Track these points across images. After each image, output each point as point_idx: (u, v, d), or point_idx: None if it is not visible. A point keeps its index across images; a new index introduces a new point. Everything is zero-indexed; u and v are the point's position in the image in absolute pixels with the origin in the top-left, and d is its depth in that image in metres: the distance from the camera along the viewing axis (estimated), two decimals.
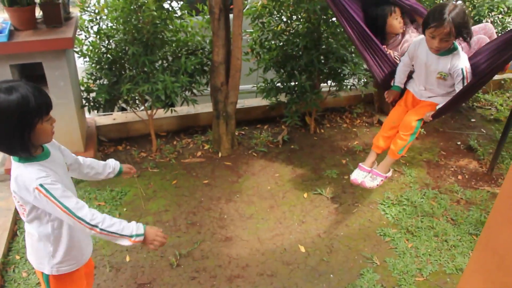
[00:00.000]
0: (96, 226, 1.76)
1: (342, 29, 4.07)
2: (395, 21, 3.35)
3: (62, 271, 1.99)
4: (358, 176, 3.34)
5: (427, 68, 3.01)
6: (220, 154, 4.19)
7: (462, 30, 2.75)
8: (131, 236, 1.82)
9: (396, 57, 3.33)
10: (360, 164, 3.38)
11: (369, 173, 3.36)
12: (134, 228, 1.84)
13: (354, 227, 3.39)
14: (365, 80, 4.37)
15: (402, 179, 3.92)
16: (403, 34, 3.41)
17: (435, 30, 2.74)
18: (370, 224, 3.42)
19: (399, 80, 3.26)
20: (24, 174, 1.71)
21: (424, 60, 3.00)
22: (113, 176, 2.25)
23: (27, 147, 1.69)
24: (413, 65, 3.16)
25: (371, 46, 3.24)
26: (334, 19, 4.06)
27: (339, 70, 4.18)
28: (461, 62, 2.86)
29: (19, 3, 3.33)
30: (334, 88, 4.39)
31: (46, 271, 1.98)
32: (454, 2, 2.80)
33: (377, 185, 3.29)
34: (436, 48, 2.82)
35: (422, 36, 2.99)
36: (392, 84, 3.32)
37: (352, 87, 4.43)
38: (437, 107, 3.04)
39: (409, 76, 3.26)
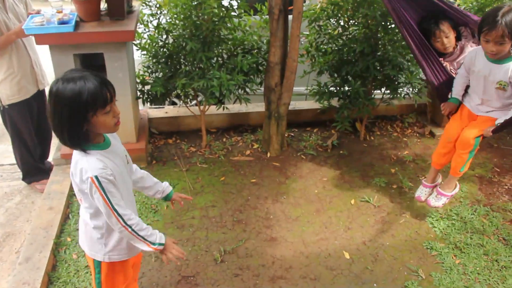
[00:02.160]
0: (130, 226, 1.88)
1: (400, 37, 4.02)
2: (437, 44, 3.28)
3: (114, 259, 2.06)
4: (422, 193, 3.39)
5: (485, 79, 2.94)
6: (269, 154, 4.20)
7: None
8: (153, 244, 1.96)
9: (451, 70, 3.26)
10: (423, 181, 3.43)
11: (432, 188, 3.40)
12: (158, 237, 1.99)
13: (401, 237, 3.32)
14: (419, 89, 4.27)
15: None
16: (461, 49, 3.32)
17: (488, 33, 2.70)
18: (417, 236, 3.35)
19: (456, 92, 3.20)
20: (83, 163, 1.78)
21: (482, 70, 2.93)
22: (159, 197, 2.29)
23: (77, 140, 1.75)
24: (469, 79, 3.08)
25: (428, 56, 3.21)
26: (393, 25, 4.00)
27: (394, 78, 4.11)
28: None
29: None
30: (388, 96, 4.32)
31: (98, 258, 2.05)
32: (509, 5, 2.73)
33: (443, 204, 3.29)
34: (492, 52, 2.75)
35: (479, 47, 2.93)
36: (449, 96, 3.26)
37: (406, 95, 4.35)
38: (497, 122, 2.94)
39: (465, 91, 3.18)
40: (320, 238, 3.28)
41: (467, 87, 3.18)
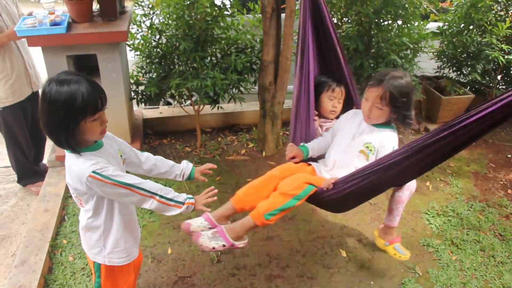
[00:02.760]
0: (156, 194, 1.85)
1: (394, 34, 4.02)
2: (327, 101, 2.90)
3: (114, 262, 2.06)
4: (196, 222, 2.37)
5: (351, 139, 2.54)
6: (264, 153, 4.20)
7: (398, 100, 2.35)
8: (183, 203, 1.92)
9: (318, 128, 2.91)
10: (207, 213, 2.39)
11: (213, 227, 2.38)
12: (184, 194, 1.97)
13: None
14: (414, 85, 4.27)
15: (448, 189, 3.82)
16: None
17: (369, 89, 2.44)
18: (413, 233, 3.36)
19: (312, 146, 2.71)
20: (77, 166, 1.78)
21: (353, 130, 2.56)
22: (181, 180, 2.24)
23: (70, 142, 1.74)
24: (326, 147, 2.72)
25: (304, 108, 2.80)
26: (386, 23, 4.01)
27: None
28: (394, 141, 2.46)
29: None
30: None
31: (99, 261, 2.05)
32: (404, 72, 2.47)
33: (213, 248, 2.25)
34: (366, 113, 2.45)
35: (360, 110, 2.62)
36: (302, 144, 2.75)
37: None
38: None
39: (315, 160, 2.76)
40: (316, 237, 3.28)
41: (318, 157, 2.76)
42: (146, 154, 2.17)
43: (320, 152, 2.74)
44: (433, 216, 3.50)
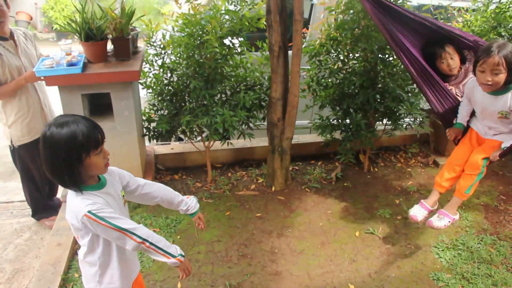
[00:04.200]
0: (146, 240, 1.90)
1: (399, 69, 4.11)
2: (443, 65, 3.37)
3: None
4: (418, 213, 3.27)
5: (486, 110, 3.00)
6: (273, 188, 4.24)
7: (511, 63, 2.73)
8: (174, 256, 1.97)
9: (457, 93, 3.31)
10: (422, 200, 3.31)
11: (429, 212, 3.29)
12: (178, 249, 2.01)
13: (406, 269, 3.31)
14: (421, 119, 4.33)
15: (457, 222, 3.81)
16: (466, 72, 3.40)
17: (484, 62, 2.77)
18: (423, 267, 3.34)
19: (461, 117, 3.26)
20: (75, 204, 1.85)
21: (481, 103, 2.99)
22: (183, 213, 2.35)
23: (75, 180, 1.82)
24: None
25: (431, 82, 3.27)
26: (391, 58, 4.10)
27: (395, 110, 4.18)
28: None
29: (94, 38, 3.57)
30: (390, 127, 4.38)
31: None
32: (504, 40, 2.85)
33: (445, 225, 3.19)
34: (487, 82, 2.80)
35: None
36: (454, 121, 3.31)
37: (407, 126, 4.41)
38: (503, 146, 2.98)
39: (472, 114, 3.24)
40: (325, 271, 3.28)
41: (474, 111, 3.22)
42: (156, 186, 2.22)
43: (469, 113, 3.23)
44: (442, 250, 3.48)
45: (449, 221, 3.19)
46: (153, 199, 2.22)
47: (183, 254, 2.03)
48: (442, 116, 3.37)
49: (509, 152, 3.01)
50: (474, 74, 2.93)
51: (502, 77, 2.77)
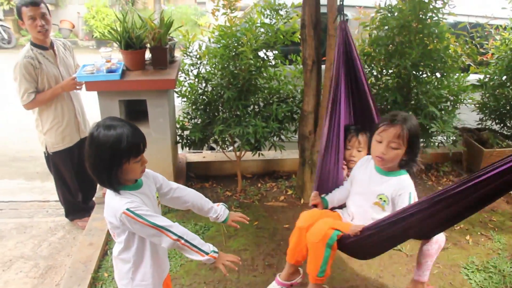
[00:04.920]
0: (182, 238, 1.97)
1: (432, 86, 4.08)
2: (347, 151, 2.99)
3: None
4: None
5: (364, 192, 2.59)
6: (302, 201, 4.26)
7: (414, 139, 2.39)
8: (207, 253, 2.03)
9: (345, 177, 2.97)
10: (277, 277, 2.87)
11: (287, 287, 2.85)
12: (211, 246, 2.07)
13: None
14: (454, 138, 4.29)
15: (489, 244, 3.74)
16: None
17: (383, 130, 2.41)
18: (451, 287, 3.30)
19: (331, 198, 2.81)
20: (114, 203, 1.94)
21: (364, 181, 2.60)
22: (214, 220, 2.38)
23: (112, 181, 1.91)
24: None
25: (336, 148, 2.90)
26: (424, 75, 4.09)
27: (427, 127, 4.15)
28: (410, 187, 2.45)
29: (133, 47, 3.70)
30: (422, 144, 4.35)
31: None
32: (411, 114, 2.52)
33: None
34: (381, 154, 2.41)
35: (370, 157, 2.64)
36: (322, 195, 2.84)
37: (440, 144, 4.37)
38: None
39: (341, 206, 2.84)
40: (351, 285, 3.27)
41: (340, 206, 2.84)
42: (187, 191, 2.30)
43: (342, 202, 2.80)
44: (472, 272, 3.41)
45: None
46: (184, 203, 2.29)
47: (216, 250, 2.07)
48: (320, 181, 2.88)
49: (375, 227, 2.37)
50: (369, 142, 2.58)
51: (399, 153, 2.40)
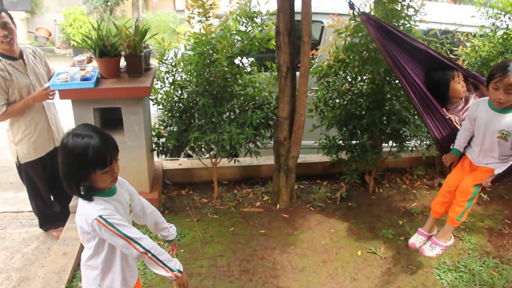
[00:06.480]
0: (149, 251, 1.98)
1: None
2: (458, 85, 3.42)
3: None
4: (417, 240, 3.39)
5: (487, 128, 3.01)
6: (278, 206, 4.28)
7: None
8: (173, 270, 2.05)
9: (457, 122, 3.36)
10: (419, 229, 3.43)
11: (427, 238, 3.37)
12: (178, 264, 2.09)
13: None
14: (427, 142, 4.37)
15: (460, 245, 3.81)
16: (466, 100, 3.45)
17: (499, 80, 2.81)
18: None
19: (459, 143, 3.29)
20: (87, 208, 1.94)
21: (484, 119, 3.01)
22: (162, 238, 2.45)
23: (80, 190, 1.91)
24: (473, 132, 3.17)
25: (431, 109, 3.34)
26: (397, 81, 4.16)
27: (401, 131, 4.22)
28: None
29: (108, 54, 3.70)
30: (395, 149, 4.42)
31: None
32: None
33: (437, 254, 3.28)
34: (499, 99, 2.85)
35: (482, 98, 3.12)
36: (451, 147, 3.35)
37: (413, 148, 4.45)
38: (495, 172, 3.02)
39: (468, 143, 3.28)
40: None
41: (471, 139, 3.26)
42: (151, 208, 2.33)
43: (468, 139, 3.26)
44: (444, 271, 3.48)
45: (441, 249, 3.27)
46: (146, 218, 2.32)
47: (181, 270, 2.10)
48: (440, 143, 3.46)
49: (501, 178, 3.06)
50: (481, 95, 3.06)
51: None
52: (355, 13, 3.61)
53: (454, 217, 3.14)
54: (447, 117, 3.38)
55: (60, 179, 1.94)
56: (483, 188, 3.12)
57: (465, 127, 3.24)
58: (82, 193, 1.92)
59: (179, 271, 2.07)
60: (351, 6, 3.54)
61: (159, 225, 2.37)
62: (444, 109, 3.40)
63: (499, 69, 2.84)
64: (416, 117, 4.22)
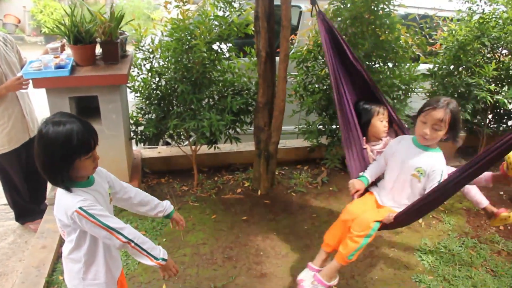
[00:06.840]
0: (132, 241, 1.94)
1: (385, 76, 4.16)
2: (380, 123, 3.17)
3: None
4: (306, 277, 2.91)
5: (404, 163, 2.78)
6: (259, 192, 4.28)
7: (455, 123, 2.64)
8: (157, 258, 2.01)
9: (370, 154, 3.15)
10: (309, 263, 2.98)
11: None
12: (162, 252, 2.04)
13: (389, 271, 3.36)
14: (406, 126, 4.39)
15: (440, 226, 3.88)
16: (385, 144, 3.17)
17: (428, 113, 2.63)
18: (405, 269, 3.39)
19: (369, 173, 3.00)
20: (65, 200, 1.88)
21: (403, 154, 2.80)
22: (162, 216, 2.35)
23: (63, 180, 1.85)
24: (383, 170, 3.00)
25: (351, 131, 3.14)
26: (377, 65, 4.17)
27: None
28: (443, 164, 2.72)
29: (82, 41, 3.59)
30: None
31: None
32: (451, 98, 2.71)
33: None
34: (425, 135, 2.64)
35: (405, 135, 2.99)
36: (360, 174, 3.04)
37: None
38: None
39: (375, 183, 3.06)
40: None
41: (378, 179, 3.05)
42: (135, 190, 2.26)
43: (378, 175, 3.04)
44: (425, 253, 3.54)
45: None
46: (133, 202, 2.26)
47: (166, 258, 2.05)
48: (351, 167, 3.12)
49: (404, 214, 2.73)
50: (414, 122, 2.79)
51: (440, 134, 2.65)
52: (315, 10, 3.38)
53: (345, 254, 2.74)
54: (364, 147, 3.13)
55: (36, 171, 1.88)
56: (382, 226, 2.80)
57: (378, 162, 3.02)
58: (63, 182, 1.86)
59: (163, 259, 2.03)
60: (312, 1, 3.34)
61: (150, 203, 2.29)
62: (364, 138, 3.17)
63: (430, 103, 2.66)
64: (395, 101, 4.23)
